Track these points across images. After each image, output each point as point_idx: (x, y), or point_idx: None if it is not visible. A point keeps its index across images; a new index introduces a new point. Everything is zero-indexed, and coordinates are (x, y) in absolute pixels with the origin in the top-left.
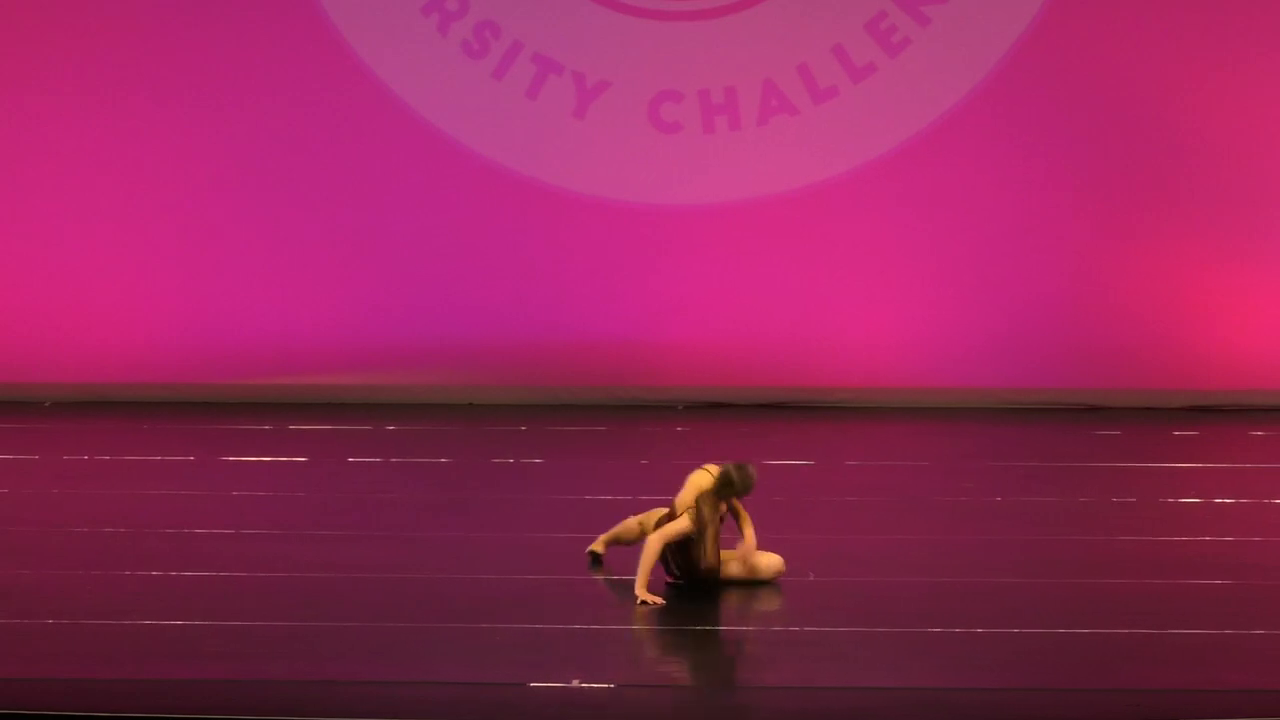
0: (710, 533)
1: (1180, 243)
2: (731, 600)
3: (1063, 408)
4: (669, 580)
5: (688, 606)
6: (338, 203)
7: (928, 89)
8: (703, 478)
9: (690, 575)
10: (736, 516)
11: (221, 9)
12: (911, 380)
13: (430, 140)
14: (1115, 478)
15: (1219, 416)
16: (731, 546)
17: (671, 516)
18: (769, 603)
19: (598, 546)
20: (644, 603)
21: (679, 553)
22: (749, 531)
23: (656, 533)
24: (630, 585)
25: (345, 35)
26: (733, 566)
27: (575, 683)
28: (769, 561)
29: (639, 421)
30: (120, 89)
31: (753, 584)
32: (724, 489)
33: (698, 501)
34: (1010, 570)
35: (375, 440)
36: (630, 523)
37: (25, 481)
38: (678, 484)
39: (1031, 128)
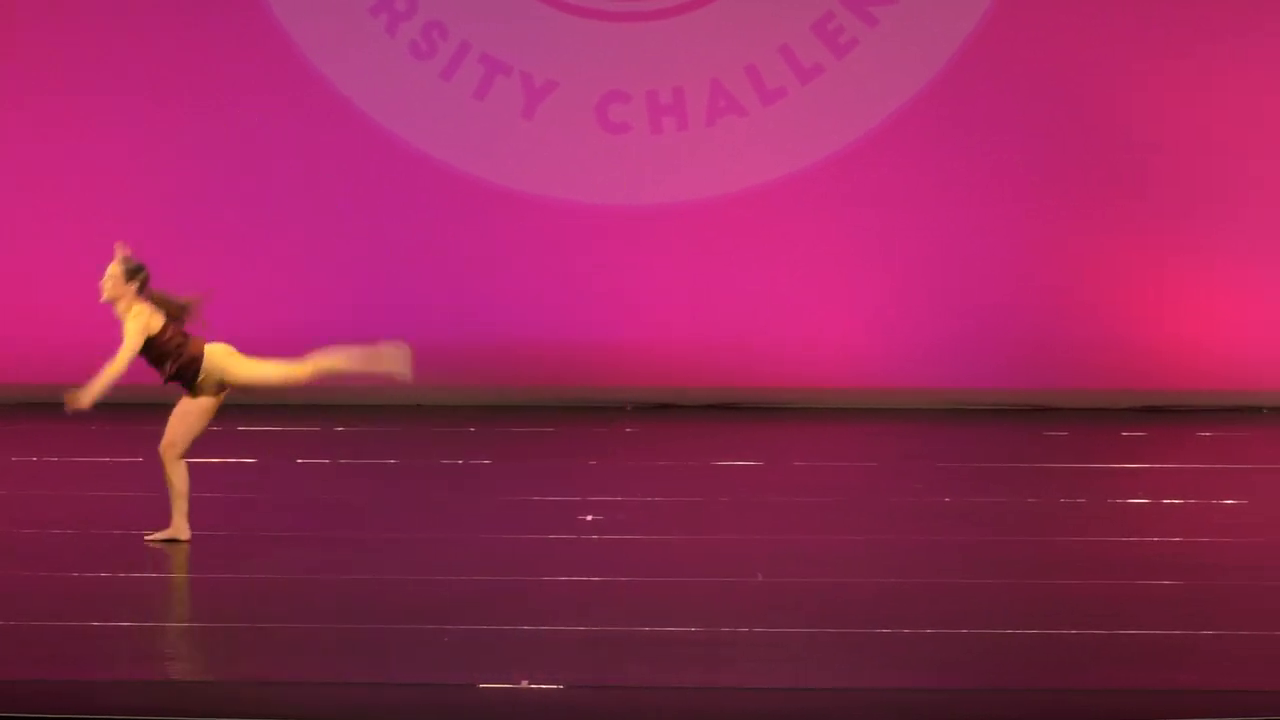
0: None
1: (1129, 241)
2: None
3: (1011, 408)
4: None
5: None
6: (286, 203)
7: (876, 89)
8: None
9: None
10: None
11: (170, 10)
12: (860, 381)
13: (379, 141)
14: (1064, 478)
15: (1167, 417)
16: None
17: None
18: (717, 603)
19: None
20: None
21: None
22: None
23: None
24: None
25: (293, 35)
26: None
27: (524, 683)
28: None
29: (587, 422)
30: (60, 94)
31: None
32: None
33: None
34: (959, 571)
35: (324, 441)
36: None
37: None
38: (627, 485)
39: (980, 127)
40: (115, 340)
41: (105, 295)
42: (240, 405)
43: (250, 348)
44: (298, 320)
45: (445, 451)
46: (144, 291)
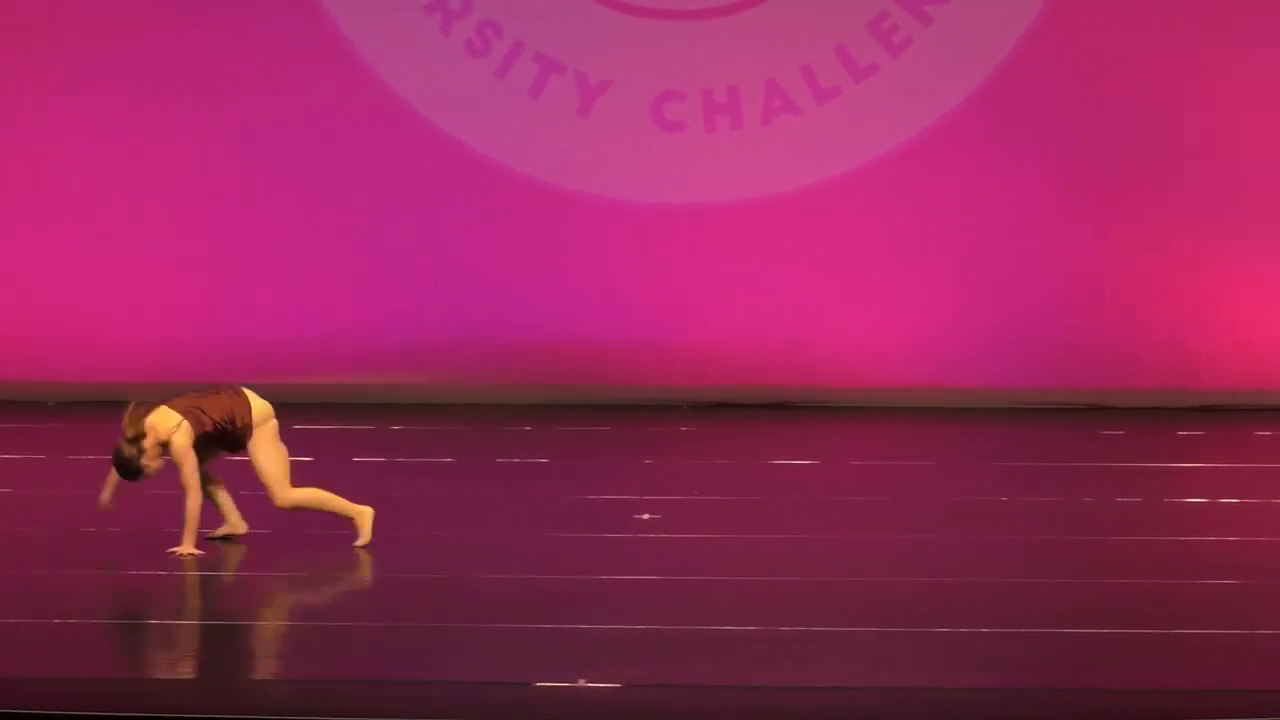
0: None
1: (1184, 242)
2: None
3: (1067, 408)
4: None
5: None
6: (341, 203)
7: (930, 88)
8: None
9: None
10: None
11: (222, 9)
12: (916, 380)
13: (434, 140)
14: (1120, 478)
15: (1224, 416)
16: None
17: None
18: (774, 602)
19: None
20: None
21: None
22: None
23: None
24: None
25: (348, 35)
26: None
27: (581, 682)
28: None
29: (644, 421)
30: (123, 92)
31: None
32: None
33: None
34: (1015, 570)
35: (380, 440)
36: None
37: (29, 481)
38: (683, 484)
39: (1034, 126)
40: (163, 338)
41: (152, 472)
42: (296, 404)
43: (304, 344)
44: (352, 320)
45: (501, 450)
46: (167, 444)
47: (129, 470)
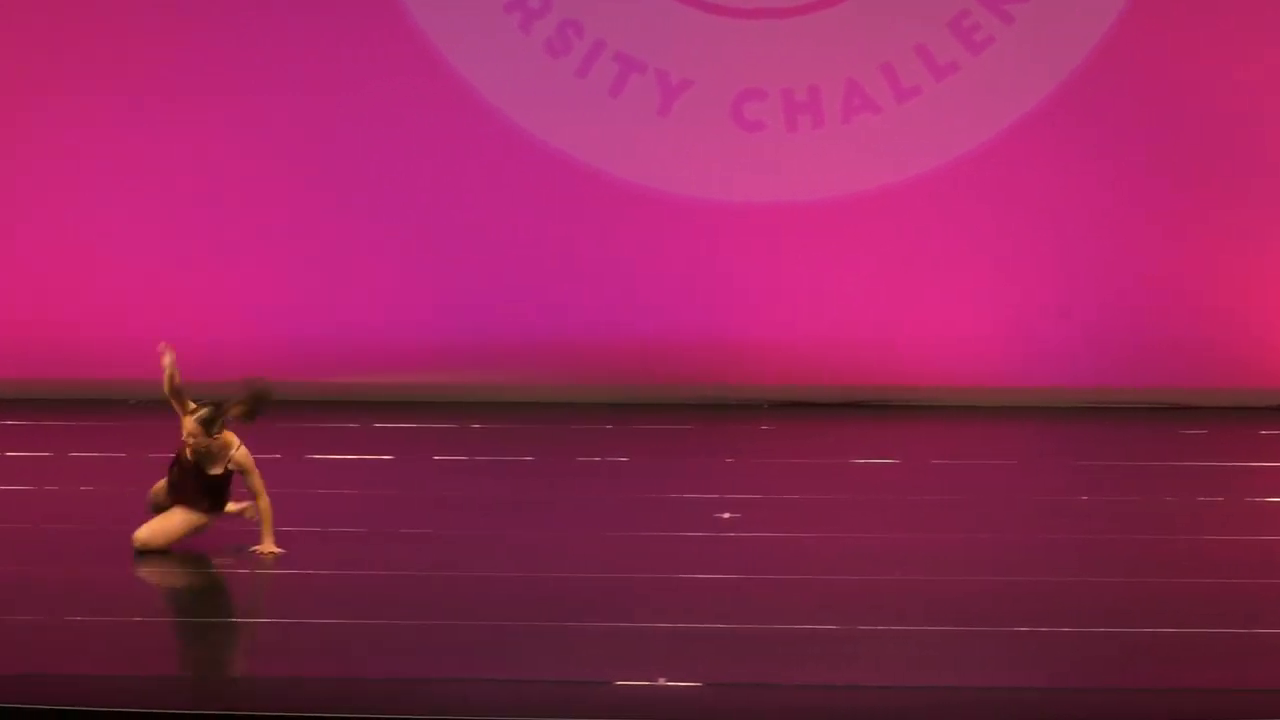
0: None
1: (1264, 241)
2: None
3: (1147, 406)
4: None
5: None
6: (421, 201)
7: (1010, 87)
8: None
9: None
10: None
11: (302, 4)
12: (995, 379)
13: (513, 139)
14: (1201, 477)
15: None
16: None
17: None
18: (853, 601)
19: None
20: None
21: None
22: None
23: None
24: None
25: (428, 33)
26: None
27: (661, 681)
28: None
29: (723, 420)
30: (199, 89)
31: None
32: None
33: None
34: (1096, 569)
35: (460, 438)
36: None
37: (111, 480)
38: (763, 483)
39: (1112, 126)
40: (243, 336)
41: (194, 456)
42: (379, 402)
43: (385, 342)
44: (432, 318)
45: (582, 449)
46: (220, 428)
47: (210, 427)
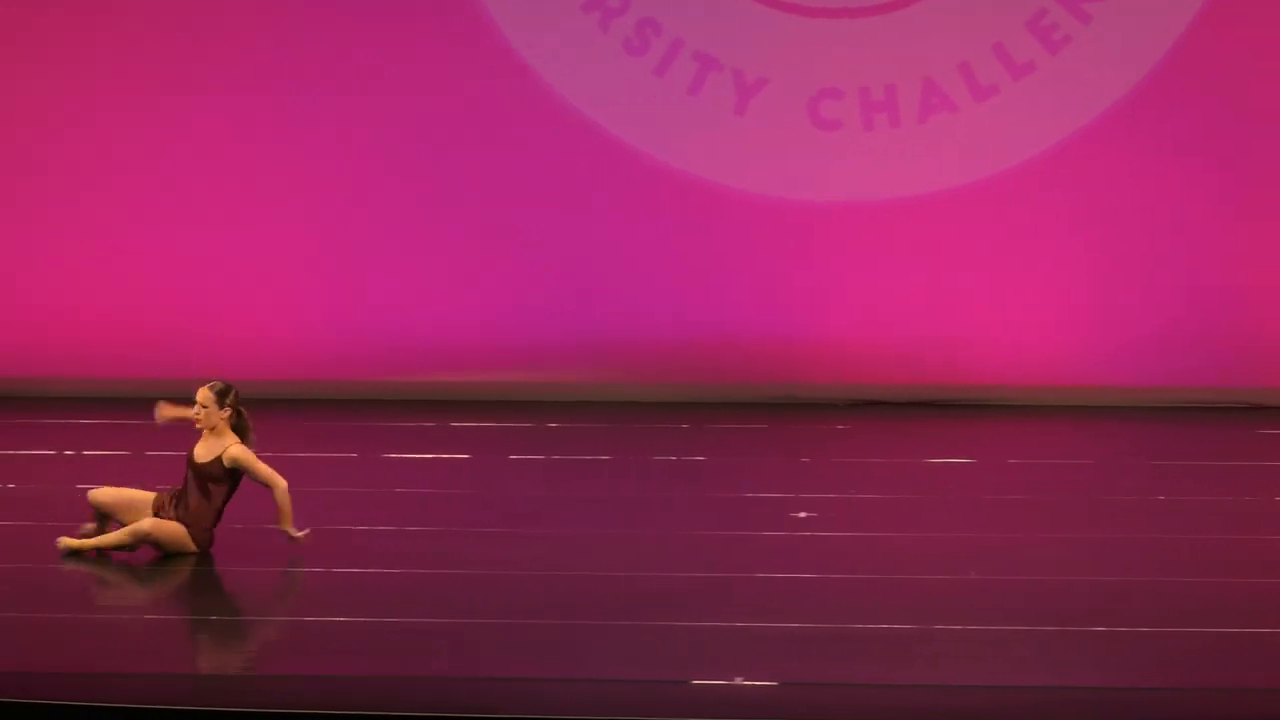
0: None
1: None
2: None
3: (1225, 406)
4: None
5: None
6: (499, 199)
7: (1088, 86)
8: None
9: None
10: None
11: (382, 7)
12: (1072, 378)
13: (591, 137)
14: (1278, 477)
15: None
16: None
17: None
18: (930, 600)
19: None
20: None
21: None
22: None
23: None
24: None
25: (506, 32)
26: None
27: (738, 680)
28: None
29: (800, 419)
30: (279, 88)
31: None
32: None
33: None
34: (1174, 569)
35: (537, 437)
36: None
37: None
38: (839, 482)
39: (1190, 125)
40: (319, 335)
41: (200, 425)
42: (453, 401)
43: (462, 341)
44: (508, 317)
45: (659, 448)
46: (239, 413)
47: (223, 398)
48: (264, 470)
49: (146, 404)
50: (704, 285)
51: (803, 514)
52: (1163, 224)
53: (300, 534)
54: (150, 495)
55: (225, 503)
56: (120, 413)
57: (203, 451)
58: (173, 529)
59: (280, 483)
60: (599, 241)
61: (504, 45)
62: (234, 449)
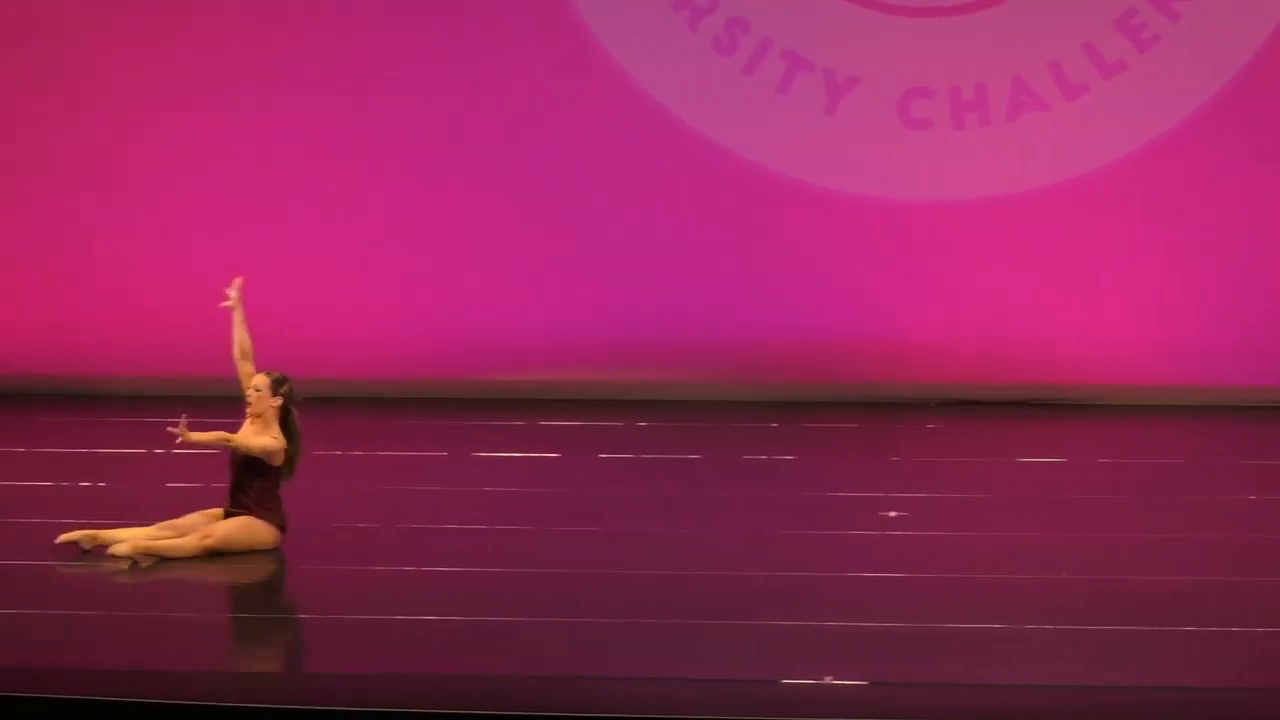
0: None
1: None
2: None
3: None
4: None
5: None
6: (587, 198)
7: (1177, 85)
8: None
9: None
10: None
11: (473, 7)
12: (1162, 378)
13: (680, 136)
14: None
15: None
16: None
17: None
18: (1020, 600)
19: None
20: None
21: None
22: None
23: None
24: None
25: (595, 32)
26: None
27: (827, 679)
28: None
29: (890, 419)
30: (366, 88)
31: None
32: None
33: None
34: (1263, 569)
35: (627, 436)
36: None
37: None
38: (929, 481)
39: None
40: (409, 334)
41: (250, 408)
42: (542, 400)
43: (552, 340)
44: (598, 317)
45: (748, 447)
46: (287, 407)
47: (277, 386)
48: (267, 440)
49: (236, 402)
50: (793, 284)
51: (892, 513)
52: (1249, 224)
53: (186, 434)
54: (214, 511)
55: (278, 486)
56: (210, 411)
57: (247, 436)
58: (238, 527)
59: (273, 448)
60: (687, 240)
61: (592, 43)
62: (265, 440)
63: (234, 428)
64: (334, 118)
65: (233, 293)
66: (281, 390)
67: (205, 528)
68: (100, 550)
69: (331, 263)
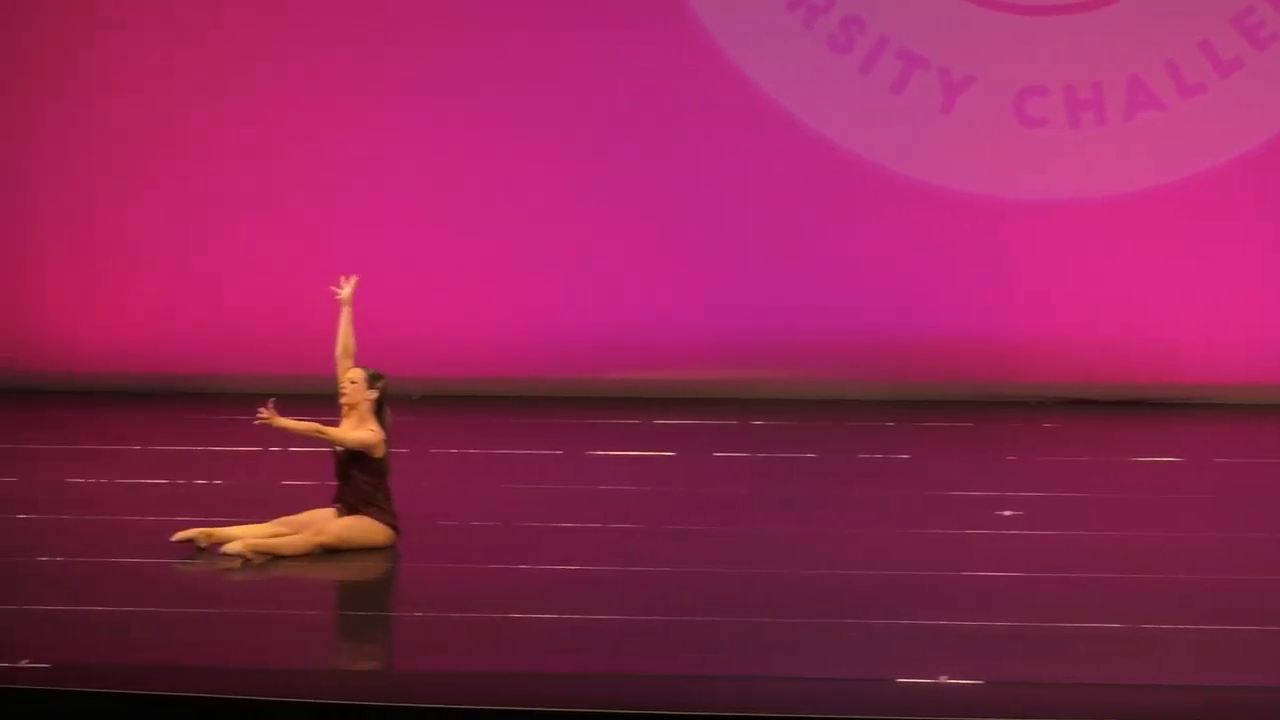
0: None
1: None
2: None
3: None
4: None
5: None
6: (701, 197)
7: None
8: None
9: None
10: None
11: (588, 6)
12: (1278, 377)
13: (794, 134)
14: None
15: None
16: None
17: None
18: (1137, 599)
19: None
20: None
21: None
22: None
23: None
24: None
25: (711, 30)
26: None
27: (942, 679)
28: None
29: (1006, 417)
30: (485, 91)
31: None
32: None
33: None
34: None
35: (742, 435)
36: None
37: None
38: (1045, 480)
39: None
40: (524, 333)
41: (345, 400)
42: (659, 399)
43: (666, 339)
44: (713, 314)
45: (863, 446)
46: (381, 402)
47: (373, 381)
48: (349, 435)
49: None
50: (908, 283)
51: (1008, 512)
52: None
53: (272, 418)
54: (328, 510)
55: (386, 482)
56: (327, 410)
57: (343, 430)
58: (351, 526)
59: (331, 435)
60: (802, 239)
61: (709, 42)
62: (363, 433)
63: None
64: (447, 117)
65: (346, 290)
66: (378, 384)
67: (318, 525)
68: (215, 548)
69: (450, 261)
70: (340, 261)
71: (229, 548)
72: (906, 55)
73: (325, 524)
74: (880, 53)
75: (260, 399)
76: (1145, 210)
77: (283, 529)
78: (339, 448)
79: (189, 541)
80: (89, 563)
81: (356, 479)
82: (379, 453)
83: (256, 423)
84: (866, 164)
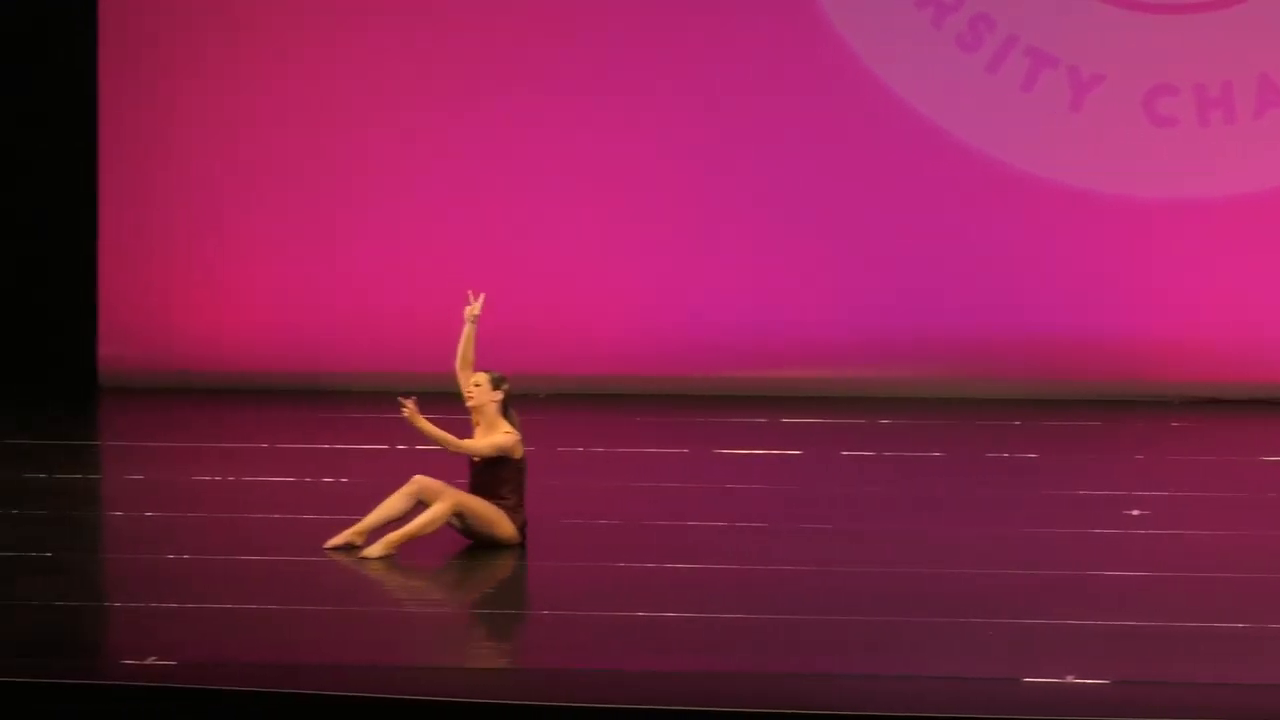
0: None
1: None
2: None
3: None
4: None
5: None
6: (827, 195)
7: None
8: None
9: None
10: None
11: (717, 6)
12: None
13: (923, 132)
14: None
15: None
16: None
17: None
18: (1263, 599)
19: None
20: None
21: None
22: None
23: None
24: None
25: (840, 29)
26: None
27: (1069, 678)
28: None
29: (1133, 417)
30: (610, 88)
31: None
32: None
33: None
34: None
35: (868, 434)
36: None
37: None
38: (1173, 480)
39: None
40: (647, 330)
41: (471, 403)
42: (782, 397)
43: (792, 337)
44: (838, 312)
45: (990, 445)
46: (507, 402)
47: (498, 384)
48: (479, 445)
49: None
50: (1036, 281)
51: (1136, 512)
52: None
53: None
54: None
55: (520, 484)
56: (453, 409)
57: (476, 440)
58: (486, 505)
59: (462, 447)
60: (931, 238)
61: (838, 41)
62: (498, 438)
63: (464, 430)
64: (589, 120)
65: (474, 308)
66: (502, 386)
67: (449, 491)
68: (369, 541)
69: (580, 261)
70: (466, 261)
71: (368, 552)
72: (1035, 53)
73: (459, 493)
74: (1009, 51)
75: (386, 397)
76: (1276, 209)
77: (402, 504)
78: (476, 458)
79: (347, 546)
80: (216, 560)
81: (489, 477)
82: (518, 454)
83: (404, 413)
84: (993, 161)
